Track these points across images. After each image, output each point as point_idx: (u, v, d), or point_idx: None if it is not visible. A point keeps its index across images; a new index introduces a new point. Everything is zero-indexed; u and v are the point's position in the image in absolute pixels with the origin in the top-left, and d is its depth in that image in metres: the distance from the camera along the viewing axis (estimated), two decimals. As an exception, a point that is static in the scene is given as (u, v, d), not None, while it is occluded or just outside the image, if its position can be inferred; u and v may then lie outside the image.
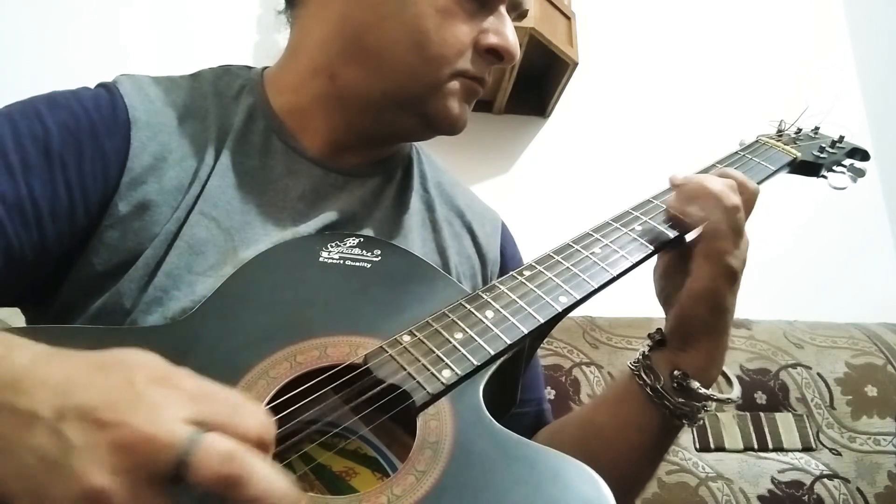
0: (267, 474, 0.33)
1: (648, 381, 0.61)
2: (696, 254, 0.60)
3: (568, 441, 0.66)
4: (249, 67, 0.73)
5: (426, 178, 0.76)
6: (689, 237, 0.62)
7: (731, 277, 0.59)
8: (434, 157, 0.82)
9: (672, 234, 0.62)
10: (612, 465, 0.57)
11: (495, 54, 0.64)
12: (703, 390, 0.59)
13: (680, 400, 0.60)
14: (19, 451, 0.33)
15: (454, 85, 0.64)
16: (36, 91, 0.61)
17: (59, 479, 0.32)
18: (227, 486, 0.32)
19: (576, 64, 1.43)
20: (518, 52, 0.65)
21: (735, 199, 0.60)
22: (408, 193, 0.72)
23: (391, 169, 0.73)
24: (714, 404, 0.61)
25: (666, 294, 0.64)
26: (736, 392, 0.64)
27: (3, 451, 0.33)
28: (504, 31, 0.64)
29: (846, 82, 1.80)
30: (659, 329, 0.64)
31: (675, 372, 0.60)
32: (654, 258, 0.63)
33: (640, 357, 0.63)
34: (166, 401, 0.34)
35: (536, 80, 1.57)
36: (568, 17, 1.46)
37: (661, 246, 0.62)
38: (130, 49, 1.46)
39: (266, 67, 0.73)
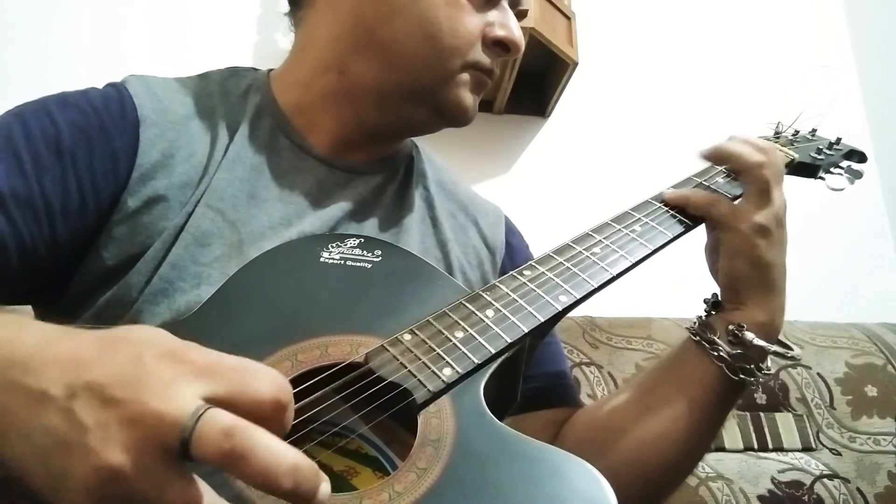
0: (271, 448, 0.31)
1: (705, 336, 0.63)
2: (717, 221, 0.64)
3: (626, 402, 0.67)
4: (256, 69, 0.74)
5: (426, 177, 0.77)
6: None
7: (761, 232, 0.62)
8: (434, 155, 0.82)
9: (670, 233, 0.64)
10: (674, 423, 0.62)
11: (502, 46, 0.67)
12: (758, 341, 0.61)
13: (737, 352, 0.62)
14: (33, 431, 0.33)
15: (465, 76, 0.66)
16: (37, 92, 0.62)
17: (74, 459, 0.32)
18: (228, 461, 0.31)
19: (576, 64, 1.43)
20: (523, 45, 0.68)
21: (758, 157, 0.65)
22: (409, 191, 0.73)
23: (394, 166, 0.74)
24: (772, 362, 0.64)
25: (714, 267, 0.68)
26: (796, 351, 0.66)
27: (17, 432, 0.33)
28: (509, 24, 0.67)
29: (846, 83, 1.80)
30: (714, 293, 0.67)
31: (730, 326, 0.63)
32: (656, 256, 0.64)
33: (697, 319, 0.66)
34: (175, 376, 0.33)
35: (536, 80, 1.57)
36: (568, 17, 1.46)
37: (660, 246, 0.63)
38: (130, 49, 1.46)
39: (272, 69, 0.74)
